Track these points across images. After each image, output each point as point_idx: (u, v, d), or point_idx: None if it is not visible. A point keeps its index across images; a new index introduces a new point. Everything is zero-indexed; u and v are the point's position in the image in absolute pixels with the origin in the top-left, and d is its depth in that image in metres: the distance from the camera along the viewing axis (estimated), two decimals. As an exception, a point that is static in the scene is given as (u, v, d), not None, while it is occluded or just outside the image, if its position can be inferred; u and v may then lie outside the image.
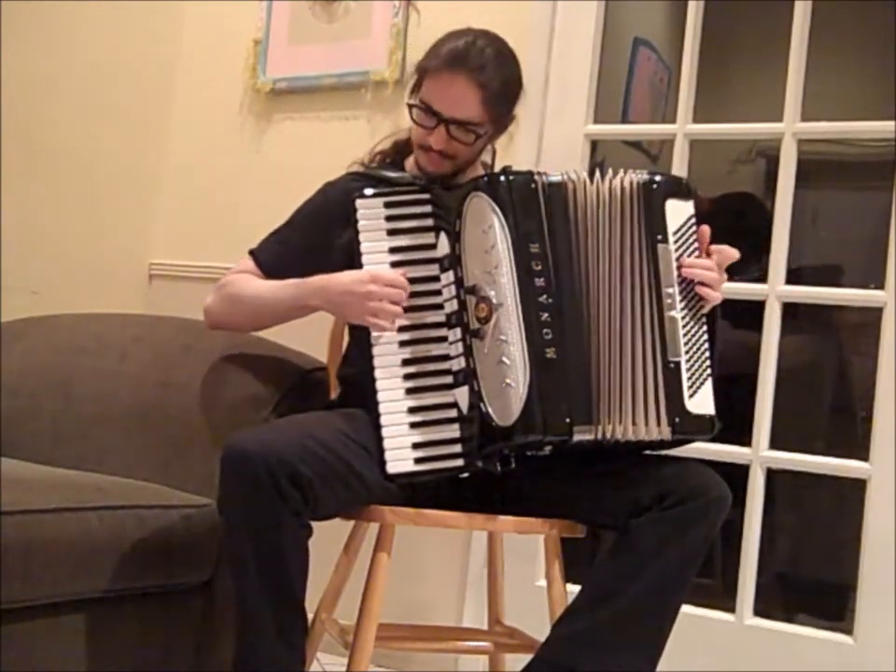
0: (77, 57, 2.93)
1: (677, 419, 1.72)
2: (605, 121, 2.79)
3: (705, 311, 1.78)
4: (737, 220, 3.26)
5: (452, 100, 1.87)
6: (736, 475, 2.47)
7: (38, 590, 1.73)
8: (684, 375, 1.73)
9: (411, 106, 1.92)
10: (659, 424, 1.72)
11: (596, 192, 1.77)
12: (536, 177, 1.77)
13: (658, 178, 1.78)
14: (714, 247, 1.81)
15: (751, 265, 3.08)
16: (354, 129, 2.90)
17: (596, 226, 1.76)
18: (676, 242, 1.76)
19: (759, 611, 2.46)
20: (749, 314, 2.51)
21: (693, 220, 1.79)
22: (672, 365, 1.72)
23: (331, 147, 2.90)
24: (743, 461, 2.47)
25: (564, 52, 2.69)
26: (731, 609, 2.46)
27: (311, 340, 2.19)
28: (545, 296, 1.73)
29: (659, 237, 1.75)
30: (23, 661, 1.73)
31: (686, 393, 1.72)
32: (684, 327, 1.74)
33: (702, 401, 1.74)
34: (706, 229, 1.80)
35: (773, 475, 2.51)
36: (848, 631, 2.35)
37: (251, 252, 2.06)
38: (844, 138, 2.91)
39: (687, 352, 1.74)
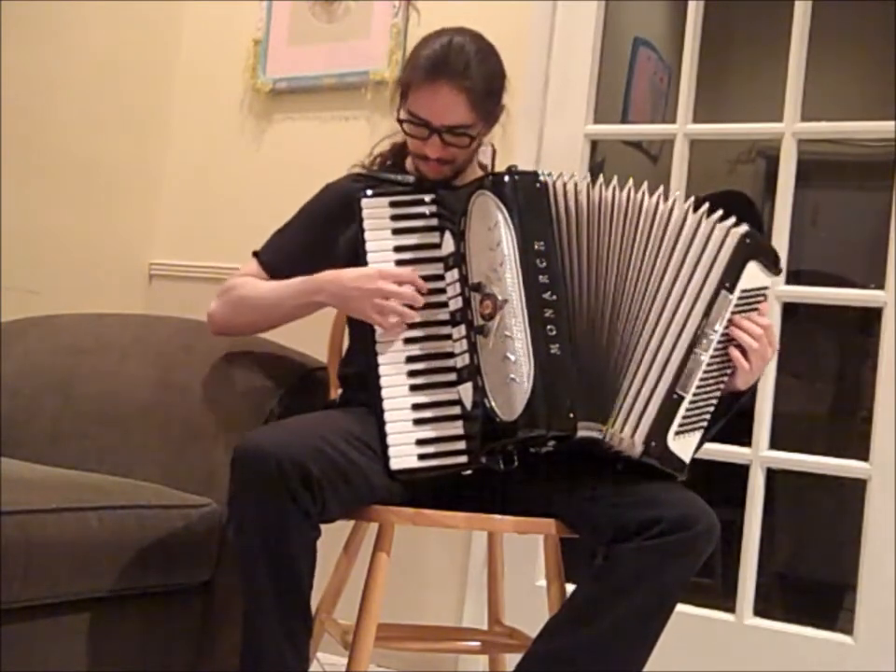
0: (76, 57, 2.93)
1: (653, 442, 1.71)
2: (605, 121, 2.79)
3: (727, 376, 1.77)
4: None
5: (439, 109, 1.87)
6: (736, 475, 2.47)
7: (38, 590, 1.72)
8: (681, 412, 1.72)
9: (401, 121, 1.92)
10: (634, 436, 1.71)
11: (642, 207, 1.76)
12: (541, 177, 1.78)
13: (757, 238, 1.78)
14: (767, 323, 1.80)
15: None
16: (354, 129, 2.90)
17: (633, 235, 1.76)
18: (740, 300, 1.76)
19: (759, 611, 2.46)
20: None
21: (765, 293, 1.80)
22: (675, 396, 1.72)
23: (331, 146, 2.91)
24: (743, 461, 2.48)
25: (564, 52, 2.69)
26: (731, 609, 2.46)
27: (311, 340, 2.19)
28: (549, 293, 1.73)
29: (727, 285, 1.75)
30: (23, 661, 1.73)
31: (674, 427, 1.71)
32: (704, 373, 1.74)
33: (683, 444, 1.73)
34: (766, 307, 1.81)
35: (773, 475, 2.51)
36: (848, 631, 2.35)
37: (254, 254, 2.07)
38: (844, 138, 2.91)
39: (695, 394, 1.73)
